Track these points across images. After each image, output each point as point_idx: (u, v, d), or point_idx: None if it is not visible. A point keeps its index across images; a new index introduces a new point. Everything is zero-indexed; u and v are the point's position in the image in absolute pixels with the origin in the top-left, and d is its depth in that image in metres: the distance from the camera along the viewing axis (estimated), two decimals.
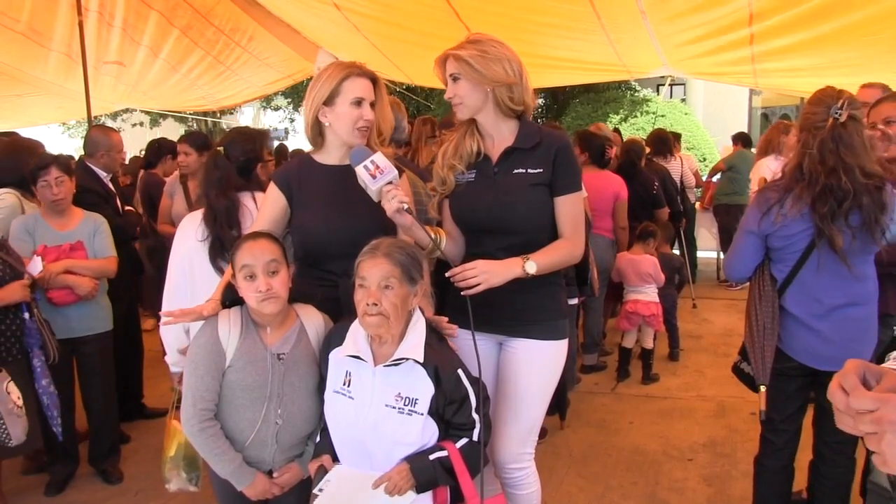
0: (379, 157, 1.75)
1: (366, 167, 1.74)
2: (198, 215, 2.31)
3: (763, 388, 2.11)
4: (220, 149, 2.33)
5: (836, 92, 2.06)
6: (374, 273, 1.63)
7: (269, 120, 19.47)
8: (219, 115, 11.69)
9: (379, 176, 1.74)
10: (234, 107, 8.99)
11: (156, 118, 15.59)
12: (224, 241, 2.20)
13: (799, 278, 2.11)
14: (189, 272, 2.26)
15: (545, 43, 4.99)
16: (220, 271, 2.19)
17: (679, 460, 3.29)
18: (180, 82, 6.86)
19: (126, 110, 13.42)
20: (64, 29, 5.14)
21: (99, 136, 3.67)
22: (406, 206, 1.73)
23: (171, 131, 15.68)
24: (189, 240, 2.27)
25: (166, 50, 5.89)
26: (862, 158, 2.00)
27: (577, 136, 4.62)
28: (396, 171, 1.76)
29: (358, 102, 1.91)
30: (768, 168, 5.30)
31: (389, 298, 1.62)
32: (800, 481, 2.35)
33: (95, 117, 7.09)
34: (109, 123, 12.44)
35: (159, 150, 4.87)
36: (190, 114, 14.69)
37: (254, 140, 2.43)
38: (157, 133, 15.16)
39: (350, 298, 1.93)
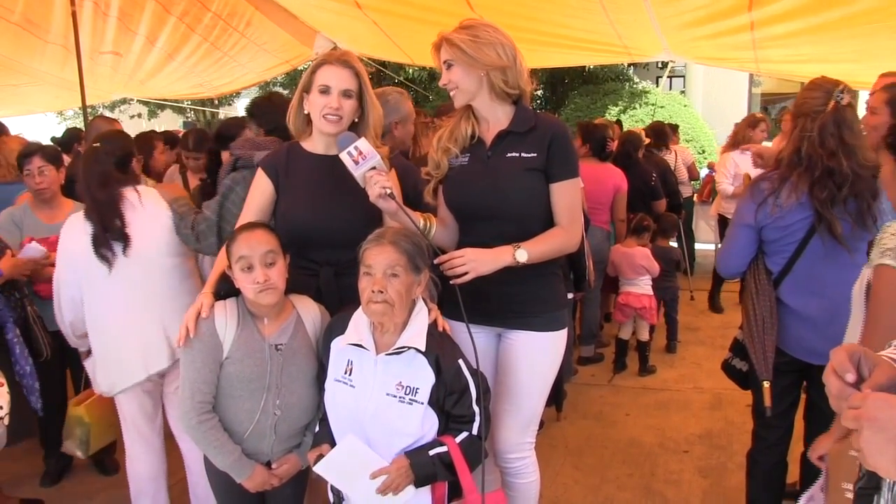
0: (362, 143, 1.75)
1: (349, 153, 1.75)
2: (81, 215, 2.35)
3: (767, 384, 2.09)
4: (97, 145, 2.39)
5: (833, 80, 2.06)
6: (380, 261, 1.63)
7: None
8: (217, 102, 11.63)
9: (362, 161, 1.74)
10: (232, 93, 8.95)
11: (154, 110, 15.51)
12: (109, 230, 2.27)
13: (795, 270, 2.09)
14: (84, 272, 2.31)
15: (546, 20, 4.95)
16: (105, 259, 2.26)
17: (675, 452, 3.29)
18: (177, 70, 6.80)
19: (123, 101, 13.35)
20: (59, 20, 5.09)
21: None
22: (389, 192, 1.73)
23: (170, 122, 15.61)
24: (79, 241, 2.30)
25: (163, 38, 5.84)
26: (862, 143, 1.99)
27: (578, 127, 4.60)
28: (379, 157, 1.76)
29: (324, 90, 1.91)
30: (734, 162, 5.30)
31: (395, 286, 1.62)
32: (793, 472, 2.36)
33: (91, 107, 7.04)
34: (107, 115, 12.38)
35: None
36: (188, 104, 14.61)
37: (126, 137, 2.60)
38: (156, 124, 15.10)
39: (330, 287, 1.94)
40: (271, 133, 2.44)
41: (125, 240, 2.29)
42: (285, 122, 2.36)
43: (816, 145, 2.00)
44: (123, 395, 2.39)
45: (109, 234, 2.27)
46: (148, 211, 2.34)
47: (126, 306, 2.32)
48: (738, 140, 5.39)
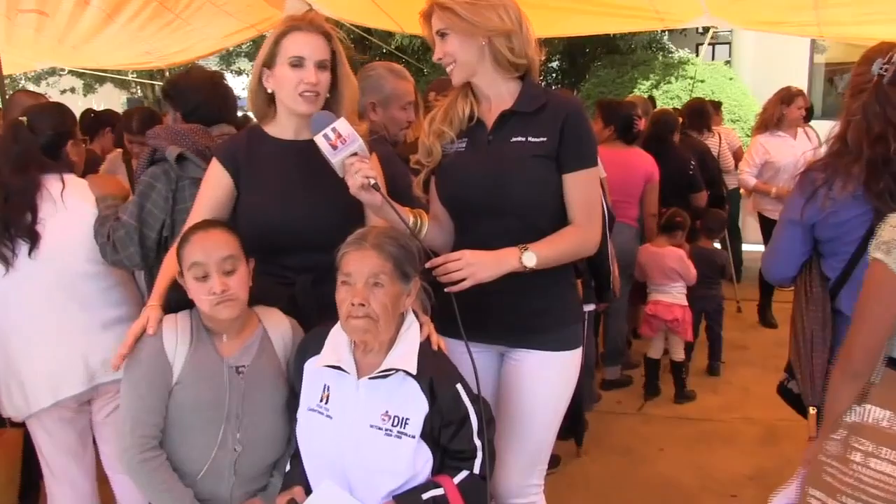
0: (341, 124, 1.76)
1: (326, 136, 1.75)
2: None
3: (813, 411, 2.10)
4: (23, 119, 2.37)
5: (887, 46, 2.04)
6: (360, 268, 1.63)
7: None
8: (168, 75, 11.64)
9: (341, 146, 1.75)
10: (186, 63, 8.91)
11: (90, 83, 15.50)
12: (13, 225, 2.26)
13: (856, 275, 2.09)
14: None
15: None
16: (2, 258, 2.26)
17: (720, 496, 3.29)
18: (119, 34, 6.74)
19: (52, 72, 13.32)
20: None
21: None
22: (373, 182, 1.74)
23: (111, 99, 15.61)
24: None
25: None
26: None
27: (598, 106, 4.61)
28: (361, 141, 1.77)
29: (297, 62, 1.91)
30: (762, 147, 5.27)
31: (379, 298, 1.63)
32: None
33: (10, 77, 6.94)
34: (32, 89, 12.35)
35: (97, 123, 4.85)
36: (133, 77, 14.57)
37: (64, 113, 2.54)
38: (93, 101, 15.09)
39: (308, 298, 1.94)
40: (189, 116, 2.45)
41: (33, 238, 2.27)
42: (206, 103, 2.37)
43: (862, 130, 2.01)
44: (36, 426, 2.37)
45: (14, 230, 2.26)
46: (69, 206, 2.33)
47: (31, 317, 2.31)
48: (768, 120, 5.34)
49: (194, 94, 2.46)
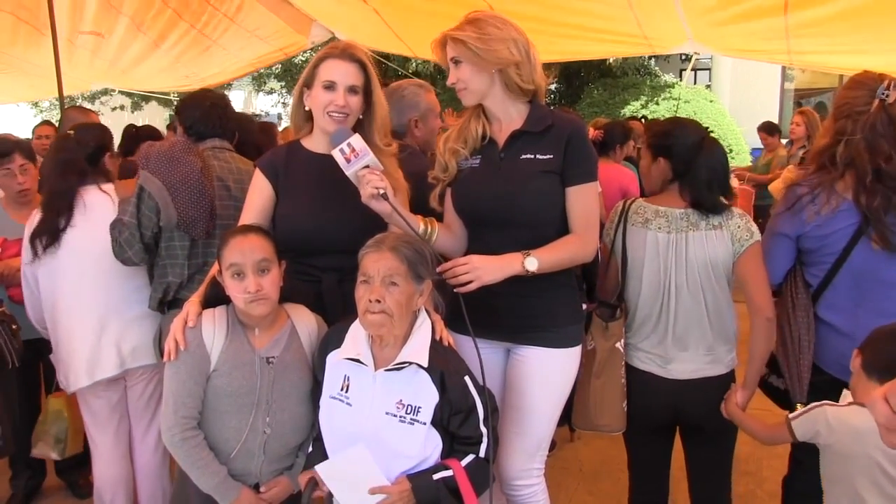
0: (355, 140, 1.77)
1: (341, 150, 1.77)
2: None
3: (800, 408, 2.08)
4: (71, 133, 2.51)
5: (877, 75, 2.03)
6: (377, 268, 1.63)
7: (260, 104, 19.49)
8: None
9: (354, 160, 1.76)
10: (221, 84, 8.93)
11: (138, 102, 15.58)
12: (50, 226, 2.40)
13: (835, 283, 2.07)
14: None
15: (560, 6, 4.94)
16: (33, 250, 2.42)
17: None
18: (161, 59, 6.81)
19: (105, 92, 13.39)
20: None
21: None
22: (382, 192, 1.74)
23: (155, 116, 15.68)
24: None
25: (148, 23, 5.85)
26: None
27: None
28: (373, 155, 1.78)
29: (329, 86, 1.93)
30: None
31: (394, 296, 1.63)
32: None
33: (69, 97, 6.98)
34: (87, 107, 12.42)
35: (137, 137, 4.85)
36: (175, 96, 14.64)
37: (105, 131, 2.71)
38: (139, 118, 15.17)
39: (333, 295, 1.94)
40: (188, 129, 2.54)
41: (55, 238, 2.40)
42: (200, 120, 2.48)
43: (862, 150, 1.98)
44: (79, 398, 2.53)
45: (50, 230, 2.39)
46: (98, 212, 2.43)
47: (73, 308, 2.45)
48: None
49: (192, 112, 2.55)
